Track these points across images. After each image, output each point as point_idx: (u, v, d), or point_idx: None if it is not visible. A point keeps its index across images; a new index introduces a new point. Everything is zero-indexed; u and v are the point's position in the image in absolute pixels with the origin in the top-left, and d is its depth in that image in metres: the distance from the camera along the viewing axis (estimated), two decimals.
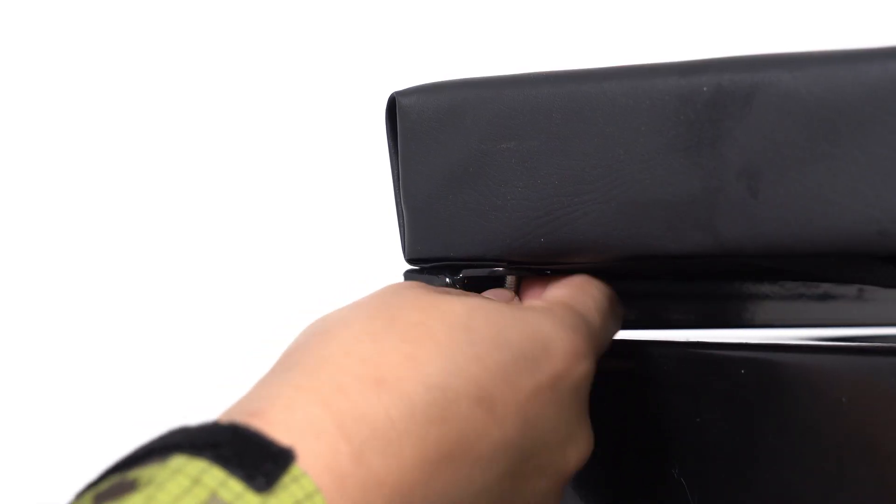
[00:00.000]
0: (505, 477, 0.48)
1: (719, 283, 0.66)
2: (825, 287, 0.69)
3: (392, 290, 0.51)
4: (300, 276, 1.21)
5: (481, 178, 0.55)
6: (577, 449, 0.51)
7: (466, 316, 0.49)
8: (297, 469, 0.42)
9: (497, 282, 0.57)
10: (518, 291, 0.57)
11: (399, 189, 0.58)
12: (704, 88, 0.49)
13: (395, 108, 0.57)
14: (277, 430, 0.43)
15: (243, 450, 0.41)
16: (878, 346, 0.51)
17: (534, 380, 0.49)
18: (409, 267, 0.59)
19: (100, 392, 1.20)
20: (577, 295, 0.54)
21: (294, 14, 1.22)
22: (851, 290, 0.71)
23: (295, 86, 1.21)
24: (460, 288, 0.57)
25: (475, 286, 0.57)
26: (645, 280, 0.63)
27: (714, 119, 0.49)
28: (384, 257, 0.78)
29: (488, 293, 0.56)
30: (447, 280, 0.57)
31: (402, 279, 0.59)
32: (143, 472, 0.41)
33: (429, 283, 0.57)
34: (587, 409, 0.52)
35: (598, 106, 0.51)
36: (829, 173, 0.47)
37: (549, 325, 0.51)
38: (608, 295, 0.55)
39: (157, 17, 1.21)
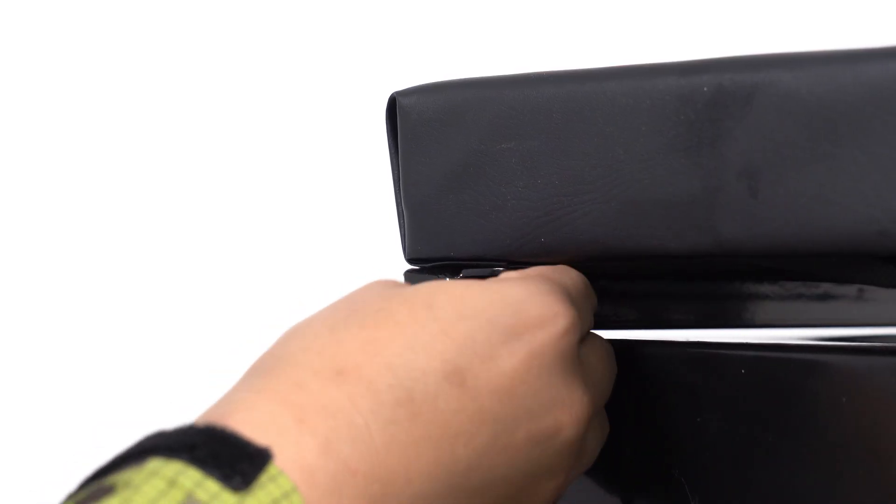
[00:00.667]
0: (492, 451, 0.47)
1: (719, 283, 0.66)
2: (825, 287, 0.69)
3: (363, 287, 0.50)
4: (300, 278, 1.21)
5: (481, 178, 0.55)
6: (568, 413, 0.49)
7: (429, 294, 0.48)
8: (274, 468, 0.42)
9: None
10: None
11: (399, 189, 0.58)
12: (705, 88, 0.49)
13: (396, 108, 0.57)
14: (242, 430, 0.43)
15: (219, 451, 0.42)
16: (878, 346, 0.51)
17: (507, 347, 0.48)
18: (410, 267, 0.59)
19: (94, 390, 1.20)
20: (554, 271, 0.53)
21: (294, 14, 1.22)
22: (851, 290, 0.71)
23: (295, 86, 1.21)
24: None
25: None
26: (645, 280, 0.63)
27: (714, 119, 0.49)
28: (384, 257, 0.78)
29: None
30: (447, 280, 0.57)
31: (402, 279, 0.59)
32: (119, 477, 0.41)
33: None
34: (576, 370, 0.50)
35: (599, 106, 0.51)
36: (829, 173, 0.47)
37: (520, 290, 0.49)
38: (585, 282, 0.54)
39: (156, 17, 1.21)
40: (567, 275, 0.53)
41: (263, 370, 0.46)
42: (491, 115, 0.54)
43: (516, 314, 0.49)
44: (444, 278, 0.57)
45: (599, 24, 1.21)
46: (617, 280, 0.61)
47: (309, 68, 1.21)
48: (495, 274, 0.56)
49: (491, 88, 0.55)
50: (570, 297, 0.51)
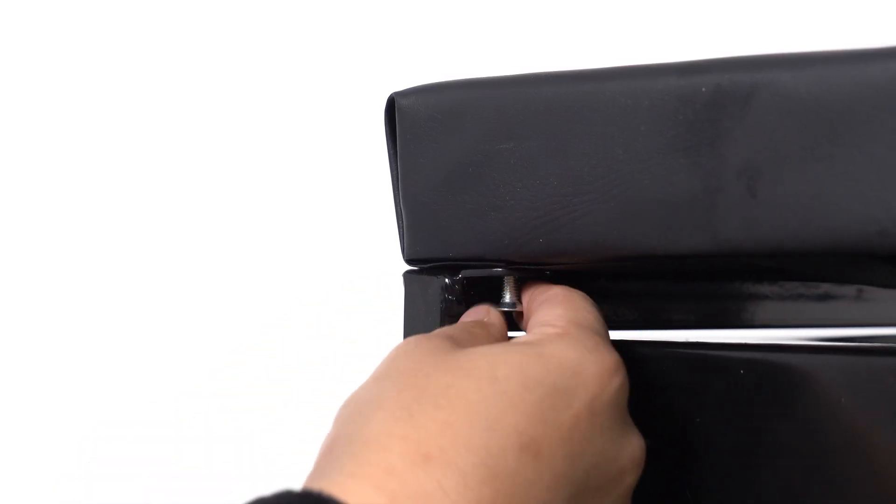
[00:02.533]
0: None
1: (719, 284, 0.66)
2: (825, 287, 0.69)
3: (407, 355, 0.51)
4: (300, 278, 1.21)
5: (480, 178, 0.55)
6: (629, 457, 0.51)
7: (489, 365, 0.49)
8: None
9: (496, 282, 0.57)
10: (520, 295, 0.57)
11: (398, 189, 0.58)
12: (703, 89, 0.49)
13: (394, 109, 0.57)
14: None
15: None
16: (877, 347, 0.51)
17: (571, 410, 0.49)
18: (408, 267, 0.59)
19: (93, 392, 1.20)
20: (575, 314, 0.54)
21: (294, 14, 1.22)
22: (851, 290, 0.71)
23: (295, 86, 1.21)
24: (459, 289, 0.57)
25: (474, 286, 0.57)
26: (645, 280, 0.63)
27: (713, 119, 0.49)
28: (383, 257, 0.78)
29: (468, 312, 0.57)
30: (446, 281, 0.57)
31: (401, 279, 0.59)
32: None
33: (427, 283, 0.57)
34: (627, 414, 0.52)
35: (598, 106, 0.51)
36: (828, 173, 0.47)
37: (571, 351, 0.51)
38: (590, 300, 0.55)
39: (157, 17, 1.21)
40: (582, 307, 0.54)
41: (348, 454, 0.47)
42: (490, 116, 0.54)
43: (575, 376, 0.50)
44: (445, 279, 0.57)
45: (599, 24, 1.21)
46: (616, 280, 0.61)
47: (309, 68, 1.21)
48: (494, 274, 0.56)
49: (490, 89, 0.55)
50: (607, 339, 0.53)
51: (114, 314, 1.20)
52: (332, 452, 0.47)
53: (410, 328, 0.58)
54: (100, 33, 1.20)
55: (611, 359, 0.51)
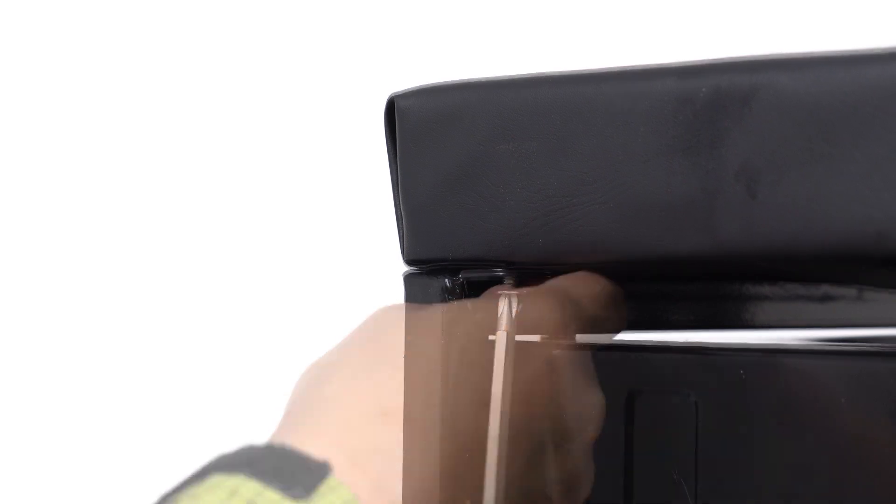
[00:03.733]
0: (528, 465, 0.49)
1: (719, 285, 0.66)
2: (825, 288, 0.69)
3: (375, 320, 0.51)
4: (300, 278, 1.21)
5: (480, 179, 0.55)
6: (589, 414, 0.52)
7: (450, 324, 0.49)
8: (334, 479, 0.43)
9: (496, 282, 0.57)
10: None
11: (398, 191, 0.58)
12: (703, 90, 0.49)
13: (394, 110, 0.57)
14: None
15: (279, 465, 0.43)
16: (877, 348, 0.51)
17: (531, 367, 0.50)
18: (408, 268, 0.59)
19: (94, 394, 1.20)
20: (571, 283, 0.54)
21: (294, 14, 1.22)
22: (851, 291, 0.71)
23: (295, 87, 1.21)
24: (459, 290, 0.57)
25: (475, 287, 0.57)
26: (644, 281, 0.63)
27: (712, 120, 0.49)
28: (383, 259, 0.78)
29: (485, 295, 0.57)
30: (446, 282, 0.57)
31: (401, 280, 0.59)
32: (182, 494, 0.42)
33: (427, 284, 0.57)
34: (589, 371, 0.52)
35: (597, 107, 0.52)
36: (827, 174, 0.47)
37: (532, 309, 0.51)
38: (610, 291, 0.55)
39: (157, 17, 1.21)
40: (583, 284, 0.55)
41: (307, 414, 0.47)
42: (489, 117, 0.54)
43: (533, 332, 0.50)
44: (445, 280, 0.57)
45: (599, 24, 1.21)
46: (616, 281, 0.61)
47: (308, 70, 1.22)
48: (494, 276, 0.56)
49: (489, 90, 0.55)
50: (578, 310, 0.53)
51: (114, 314, 1.20)
52: (292, 414, 0.48)
53: None
54: (99, 34, 1.20)
55: (569, 321, 0.52)
